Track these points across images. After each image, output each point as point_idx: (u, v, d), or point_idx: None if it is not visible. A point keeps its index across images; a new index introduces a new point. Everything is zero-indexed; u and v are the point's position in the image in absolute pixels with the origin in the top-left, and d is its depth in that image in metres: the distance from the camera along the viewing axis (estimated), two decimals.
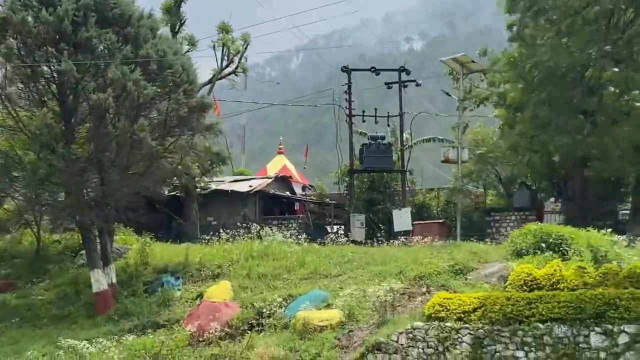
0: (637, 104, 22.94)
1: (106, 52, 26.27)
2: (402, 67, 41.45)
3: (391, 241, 31.97)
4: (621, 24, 21.45)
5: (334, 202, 44.59)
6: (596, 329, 17.21)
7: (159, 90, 26.58)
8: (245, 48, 44.55)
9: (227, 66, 44.36)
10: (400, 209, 38.55)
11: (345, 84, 41.66)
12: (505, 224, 38.96)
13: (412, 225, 37.38)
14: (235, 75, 45.37)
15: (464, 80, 37.73)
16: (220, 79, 44.45)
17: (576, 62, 21.08)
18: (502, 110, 34.73)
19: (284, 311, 22.97)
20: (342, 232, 38.98)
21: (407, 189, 42.27)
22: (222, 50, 43.87)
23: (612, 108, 23.84)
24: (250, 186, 43.18)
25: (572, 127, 24.16)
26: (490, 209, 42.07)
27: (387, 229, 37.76)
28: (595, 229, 25.32)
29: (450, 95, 40.81)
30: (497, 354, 18.16)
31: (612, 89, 22.68)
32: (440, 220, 38.41)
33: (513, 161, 35.20)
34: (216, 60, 43.83)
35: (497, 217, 40.01)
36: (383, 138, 40.48)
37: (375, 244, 32.58)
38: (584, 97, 23.20)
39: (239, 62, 44.61)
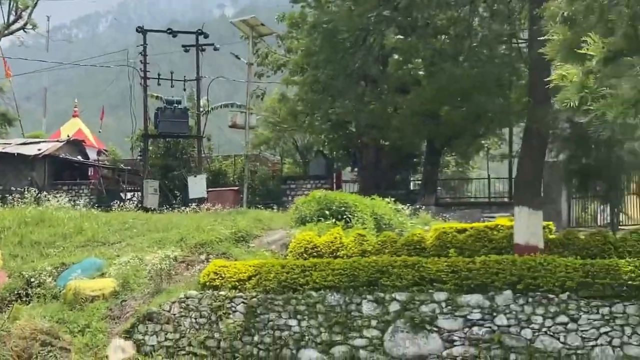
0: (421, 72, 22.98)
1: None
2: (199, 30, 40.12)
3: (183, 208, 30.99)
4: None
5: (128, 167, 43.01)
6: (368, 296, 16.98)
7: None
8: (35, 3, 41.86)
9: (14, 21, 41.54)
10: (195, 176, 37.57)
11: (140, 45, 40.08)
12: (301, 192, 38.67)
13: (207, 192, 36.53)
14: (25, 32, 42.62)
15: (258, 44, 37.29)
16: (7, 35, 41.64)
17: (355, 26, 20.64)
18: (286, 76, 34.51)
19: (55, 281, 21.54)
20: (139, 198, 37.78)
21: (203, 155, 41.35)
22: (10, 4, 41.02)
23: (396, 76, 23.81)
24: (39, 149, 40.98)
25: (353, 93, 23.93)
26: (287, 177, 41.92)
27: (183, 196, 36.76)
28: (387, 198, 25.43)
29: (239, 58, 39.99)
30: (271, 322, 17.65)
31: (396, 56, 22.58)
32: (235, 188, 37.75)
33: (293, 126, 34.97)
34: (2, 15, 40.98)
35: (293, 186, 39.80)
36: (179, 102, 39.23)
37: (167, 210, 31.54)
38: (368, 63, 22.95)
39: (28, 18, 41.85)
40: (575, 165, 20.52)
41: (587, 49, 9.46)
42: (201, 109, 41.38)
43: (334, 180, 40.22)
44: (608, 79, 9.99)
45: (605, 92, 9.77)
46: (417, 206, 28.91)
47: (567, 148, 20.49)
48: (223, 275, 18.67)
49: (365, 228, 22.05)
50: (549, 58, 9.99)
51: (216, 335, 18.02)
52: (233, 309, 18.05)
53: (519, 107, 23.26)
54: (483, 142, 41.20)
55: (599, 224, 31.08)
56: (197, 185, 36.69)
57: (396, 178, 39.75)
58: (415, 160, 40.57)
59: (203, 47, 40.34)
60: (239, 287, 18.35)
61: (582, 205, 32.46)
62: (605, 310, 15.43)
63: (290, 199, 38.91)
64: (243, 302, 18.01)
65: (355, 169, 41.58)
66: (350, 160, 40.95)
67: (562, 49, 10.12)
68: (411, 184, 42.59)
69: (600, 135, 10.23)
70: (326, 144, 41.14)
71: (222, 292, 18.33)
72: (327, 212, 23.09)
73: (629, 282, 15.37)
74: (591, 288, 15.61)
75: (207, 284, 18.73)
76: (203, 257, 21.97)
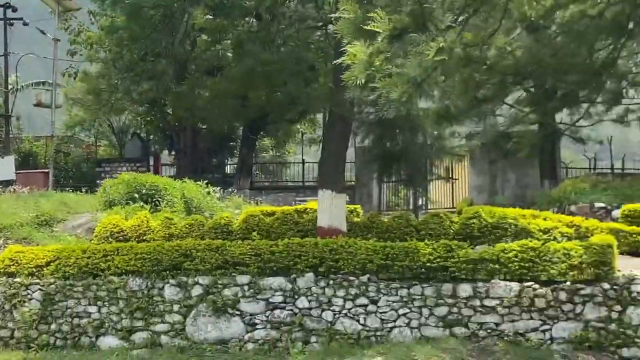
0: (229, 54, 22.71)
1: None
2: (7, 3, 38.55)
3: None
4: None
5: None
6: (171, 281, 16.59)
7: None
8: None
9: None
10: (3, 157, 36.01)
11: None
12: (117, 175, 37.43)
13: (16, 174, 35.05)
14: None
15: (69, 20, 36.14)
16: None
17: (159, 2, 20.05)
18: (89, 52, 33.45)
19: None
20: None
21: (12, 135, 39.64)
22: None
23: (204, 57, 23.45)
24: None
25: (159, 73, 23.40)
26: (102, 159, 40.89)
27: None
28: (203, 181, 25.17)
29: (45, 34, 38.60)
30: (69, 310, 16.95)
31: (205, 37, 22.21)
32: (46, 170, 36.41)
33: (95, 105, 33.88)
34: None
35: (108, 168, 38.71)
36: None
37: None
38: (175, 43, 22.42)
39: None
40: (380, 150, 20.82)
41: (374, 26, 9.43)
42: (10, 87, 39.63)
43: (152, 163, 39.53)
44: (396, 57, 10.03)
45: (391, 71, 9.80)
46: (232, 190, 28.79)
47: (372, 132, 20.77)
48: (19, 262, 17.75)
49: (175, 211, 21.80)
50: (338, 36, 9.91)
51: (10, 324, 17.10)
52: (29, 296, 17.21)
53: (327, 92, 23.39)
54: (298, 126, 41.63)
55: (410, 207, 31.84)
56: (4, 167, 35.20)
57: (213, 161, 39.58)
58: (232, 144, 40.48)
59: (11, 21, 38.67)
60: (37, 273, 17.50)
61: (394, 189, 33.17)
62: (404, 292, 15.64)
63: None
64: (40, 289, 17.21)
65: (173, 152, 40.97)
66: (167, 143, 40.28)
67: (352, 27, 10.06)
68: (228, 167, 42.46)
69: (385, 115, 10.26)
70: (143, 125, 40.31)
71: (17, 279, 17.42)
72: (136, 195, 22.67)
73: (427, 264, 15.63)
74: (391, 270, 15.79)
75: (2, 270, 17.75)
76: (1, 242, 20.93)
